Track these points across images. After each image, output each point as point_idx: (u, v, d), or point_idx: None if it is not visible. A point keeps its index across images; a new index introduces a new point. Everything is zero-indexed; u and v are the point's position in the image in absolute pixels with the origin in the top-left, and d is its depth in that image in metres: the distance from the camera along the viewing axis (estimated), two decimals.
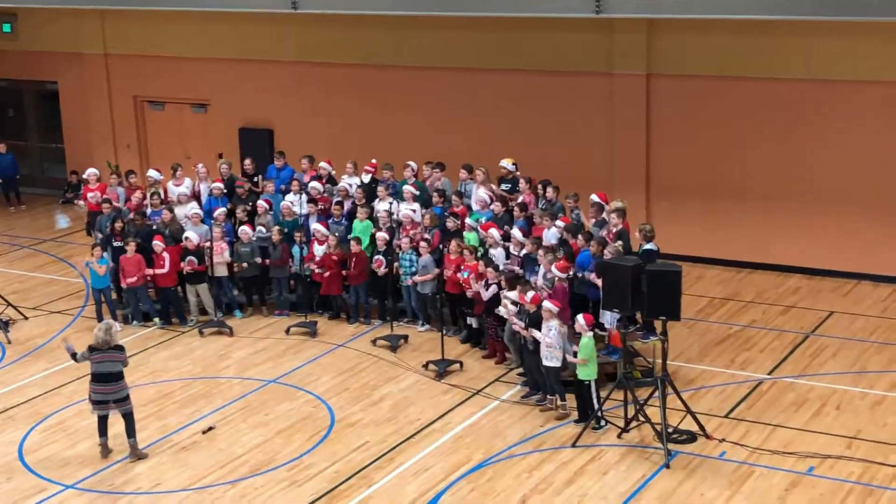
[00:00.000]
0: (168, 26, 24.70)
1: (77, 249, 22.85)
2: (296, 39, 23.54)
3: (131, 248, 18.22)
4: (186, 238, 18.32)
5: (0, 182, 26.38)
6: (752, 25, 19.26)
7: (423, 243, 17.59)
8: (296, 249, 18.59)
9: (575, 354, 14.51)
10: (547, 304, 14.69)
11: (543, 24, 20.93)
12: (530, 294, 15.12)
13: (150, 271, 18.25)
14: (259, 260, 18.59)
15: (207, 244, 18.36)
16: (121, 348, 14.09)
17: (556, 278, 15.48)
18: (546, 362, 14.82)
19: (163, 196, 19.61)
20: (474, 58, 21.98)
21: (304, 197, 19.22)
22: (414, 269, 17.76)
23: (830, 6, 17.62)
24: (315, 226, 18.53)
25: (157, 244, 18.24)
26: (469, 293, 16.86)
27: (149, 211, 19.31)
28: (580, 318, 14.48)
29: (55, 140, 27.57)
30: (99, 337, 14.08)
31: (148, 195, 19.73)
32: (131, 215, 19.18)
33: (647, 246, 15.99)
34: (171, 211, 19.04)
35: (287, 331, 18.27)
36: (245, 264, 18.57)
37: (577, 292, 15.86)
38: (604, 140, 21.14)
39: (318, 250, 18.36)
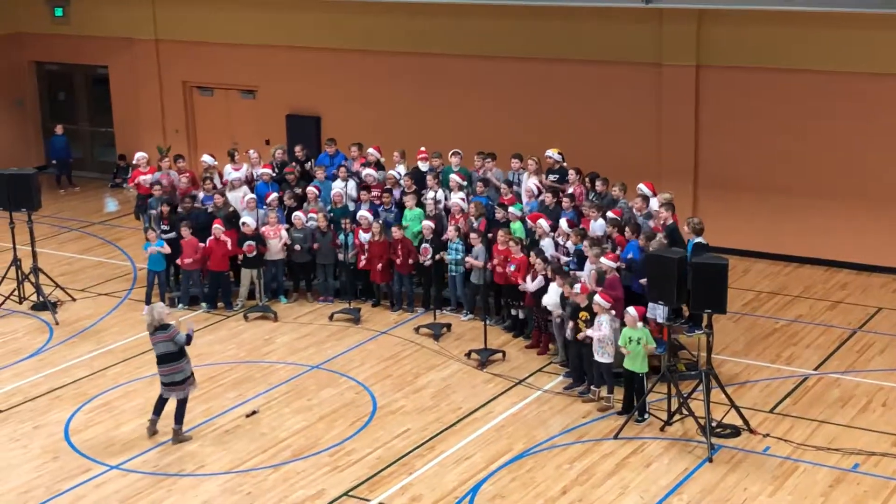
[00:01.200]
0: (218, 13, 24.83)
1: (125, 233, 23.05)
2: (345, 27, 23.57)
3: (186, 231, 18.34)
4: (244, 223, 18.40)
5: (54, 163, 26.70)
6: (804, 17, 19.05)
7: (473, 234, 17.53)
8: (342, 237, 18.62)
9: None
10: (598, 298, 14.64)
11: (593, 14, 20.83)
12: (578, 286, 15.07)
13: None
14: (315, 245, 18.65)
15: (265, 228, 18.49)
16: (165, 327, 14.19)
17: (608, 269, 15.39)
18: (598, 358, 14.77)
19: (219, 181, 19.73)
20: (524, 47, 21.91)
21: (351, 183, 19.25)
22: (460, 257, 17.75)
23: None
24: (361, 213, 18.56)
25: (218, 228, 18.33)
26: (521, 287, 16.79)
27: (201, 195, 19.43)
28: (631, 310, 14.40)
29: (105, 124, 27.81)
30: (146, 321, 14.27)
31: (202, 180, 19.86)
32: (183, 199, 19.33)
33: (697, 239, 15.86)
34: (224, 195, 19.15)
35: (331, 317, 18.33)
36: (297, 247, 18.65)
37: (624, 283, 15.77)
38: (652, 131, 21.01)
39: (364, 237, 18.39)
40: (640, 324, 14.38)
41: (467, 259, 17.58)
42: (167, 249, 18.48)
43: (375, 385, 15.93)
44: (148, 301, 18.55)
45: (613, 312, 14.72)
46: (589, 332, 14.77)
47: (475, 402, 15.33)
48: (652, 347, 14.38)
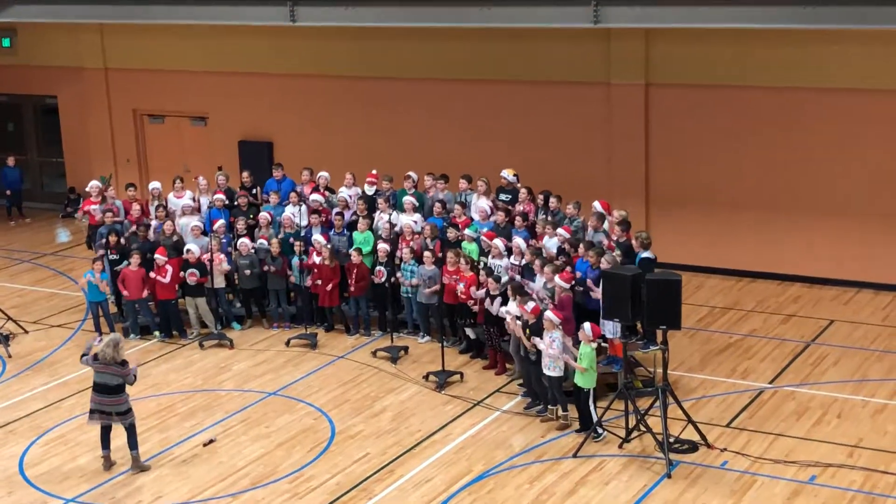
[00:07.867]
0: (167, 40, 24.73)
1: (77, 263, 22.84)
2: (295, 52, 23.58)
3: (135, 261, 18.20)
4: (188, 251, 18.31)
5: (9, 194, 26.44)
6: (750, 35, 19.28)
7: (427, 253, 17.57)
8: (294, 260, 18.58)
9: (575, 360, 14.48)
10: (549, 314, 14.68)
11: (542, 35, 20.95)
12: (530, 304, 15.11)
13: (158, 278, 18.16)
14: (265, 267, 18.57)
15: (207, 256, 18.37)
16: (123, 363, 14.04)
17: (560, 288, 15.45)
18: (547, 372, 14.80)
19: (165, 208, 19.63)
20: (473, 69, 22.02)
21: (304, 208, 19.22)
22: (414, 279, 17.76)
23: (829, 16, 17.57)
24: (316, 237, 18.53)
25: (160, 257, 18.22)
26: (470, 304, 16.84)
27: (154, 223, 19.31)
28: (587, 326, 14.42)
29: (55, 154, 27.61)
30: (106, 353, 13.94)
31: (152, 208, 19.74)
32: (133, 228, 19.19)
33: (644, 254, 15.98)
34: (173, 223, 19.04)
35: (287, 343, 18.26)
36: (247, 271, 18.53)
37: (577, 301, 15.83)
38: (603, 150, 21.16)
39: (317, 260, 18.34)
40: (593, 343, 14.41)
41: (426, 291, 17.57)
42: (97, 280, 18.23)
43: (333, 410, 15.87)
44: (98, 332, 18.37)
45: (562, 328, 14.74)
46: (539, 344, 14.74)
47: (434, 424, 15.32)
48: (581, 368, 14.37)
